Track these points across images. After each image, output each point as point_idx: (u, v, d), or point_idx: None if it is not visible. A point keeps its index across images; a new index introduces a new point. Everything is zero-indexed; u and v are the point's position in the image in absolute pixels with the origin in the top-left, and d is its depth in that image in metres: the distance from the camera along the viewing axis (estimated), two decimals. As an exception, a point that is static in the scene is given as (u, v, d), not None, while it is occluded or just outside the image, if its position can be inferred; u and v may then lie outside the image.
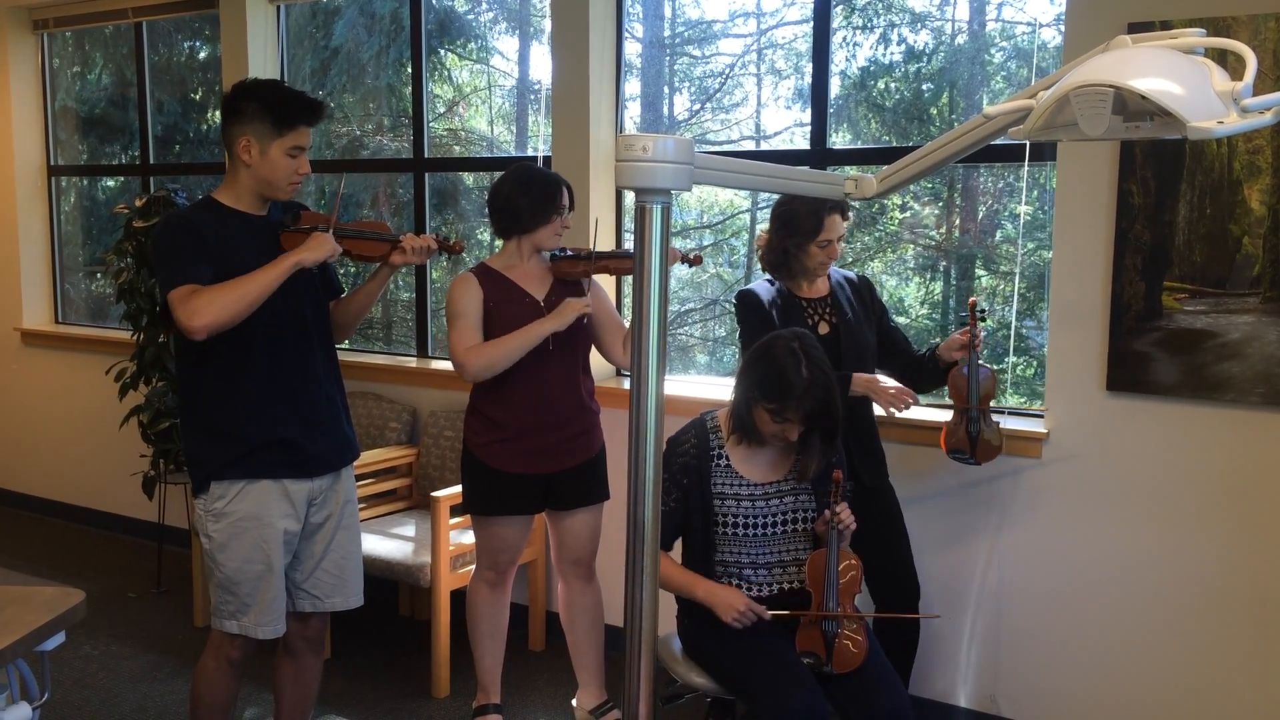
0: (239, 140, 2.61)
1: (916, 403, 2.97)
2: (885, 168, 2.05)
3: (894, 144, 3.94)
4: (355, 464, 2.92)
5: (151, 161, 5.40)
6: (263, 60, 4.78)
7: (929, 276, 4.47)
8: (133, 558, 5.07)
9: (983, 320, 2.96)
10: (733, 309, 3.21)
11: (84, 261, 5.94)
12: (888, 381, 2.95)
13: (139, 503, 5.00)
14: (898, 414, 2.95)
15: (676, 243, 3.37)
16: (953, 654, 3.38)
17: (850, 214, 3.08)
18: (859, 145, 4.03)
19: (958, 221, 4.20)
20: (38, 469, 5.75)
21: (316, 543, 2.80)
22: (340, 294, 2.92)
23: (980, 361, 2.95)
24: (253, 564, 2.66)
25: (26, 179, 5.62)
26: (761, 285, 3.10)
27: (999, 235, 4.13)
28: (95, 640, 4.07)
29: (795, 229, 2.96)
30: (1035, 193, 3.72)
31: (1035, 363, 3.95)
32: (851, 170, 3.70)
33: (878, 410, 3.03)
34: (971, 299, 2.98)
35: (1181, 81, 1.31)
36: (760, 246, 3.12)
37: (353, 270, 4.96)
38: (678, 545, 2.76)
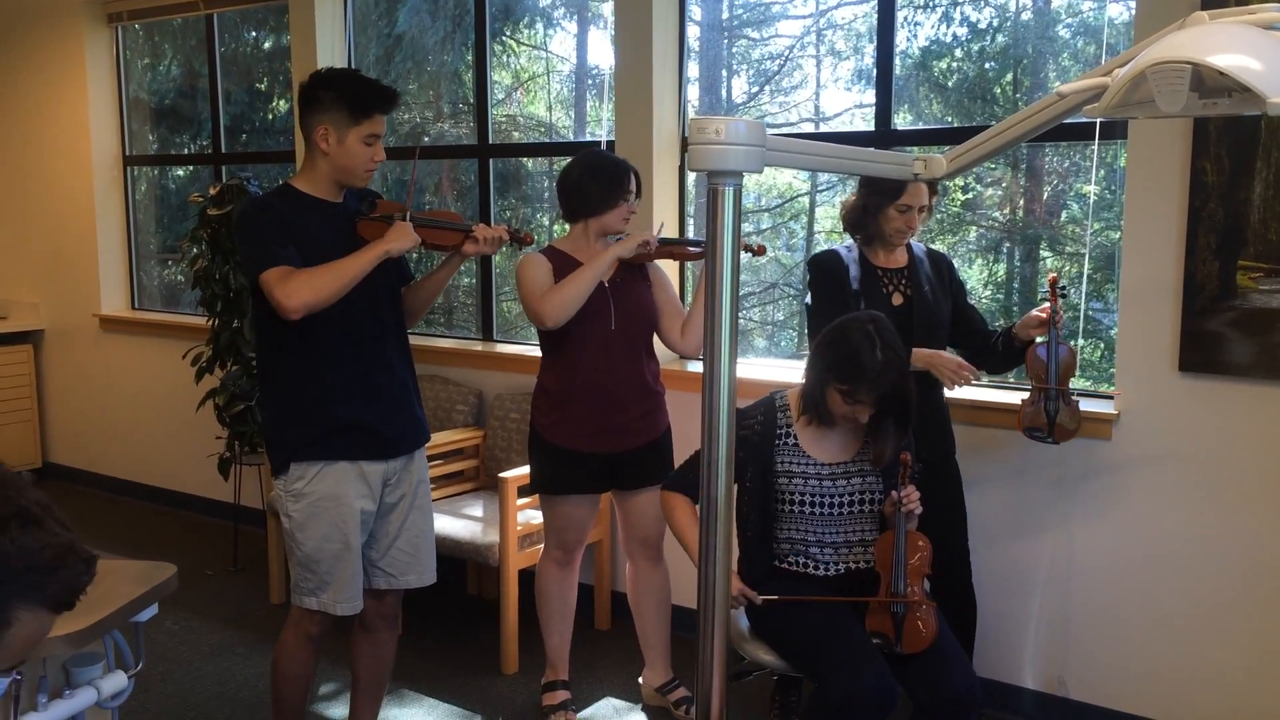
0: (317, 129, 2.67)
1: (977, 378, 2.97)
2: (955, 147, 2.05)
3: (957, 124, 3.91)
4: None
5: (223, 150, 5.53)
6: (331, 49, 4.86)
7: (992, 258, 4.43)
8: (209, 537, 5.22)
9: (1063, 296, 2.94)
10: (790, 289, 3.22)
11: (155, 250, 6.10)
12: (948, 356, 2.95)
13: (215, 483, 5.14)
14: (958, 388, 2.96)
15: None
16: (1020, 635, 3.38)
17: (938, 189, 3.08)
18: (923, 126, 4.01)
19: (1022, 202, 4.17)
20: (117, 451, 5.93)
21: (391, 522, 2.86)
22: (410, 280, 2.98)
23: (1059, 339, 2.93)
24: (331, 543, 2.74)
25: (104, 169, 5.77)
26: (840, 249, 3.11)
27: (1064, 216, 4.09)
28: (176, 615, 4.21)
29: (878, 188, 2.97)
30: (1102, 172, 3.68)
31: (1102, 345, 3.91)
32: (916, 151, 3.69)
33: (965, 393, 3.03)
34: (1052, 275, 2.96)
35: (1260, 57, 1.31)
36: (844, 206, 3.14)
37: (413, 257, 5.04)
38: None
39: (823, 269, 3.10)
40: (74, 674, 2.06)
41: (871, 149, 2.02)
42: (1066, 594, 3.29)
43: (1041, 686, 3.36)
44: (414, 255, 4.94)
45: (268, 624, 4.16)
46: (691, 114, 4.08)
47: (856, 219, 3.08)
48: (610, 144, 4.11)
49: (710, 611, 1.95)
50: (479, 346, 4.62)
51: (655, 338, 3.36)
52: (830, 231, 4.74)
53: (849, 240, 3.17)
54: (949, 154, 2.06)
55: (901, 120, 3.90)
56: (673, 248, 3.30)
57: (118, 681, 2.11)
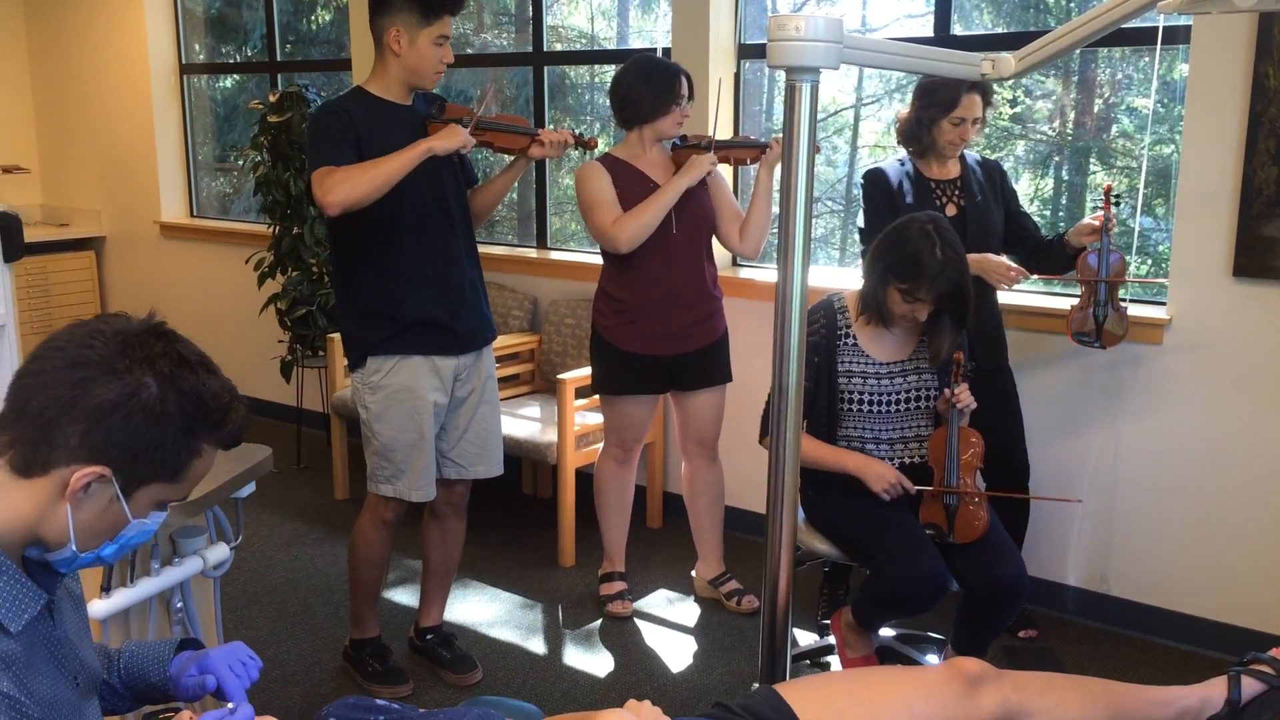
0: (388, 30, 2.73)
1: (1026, 278, 3.03)
2: (1024, 47, 2.09)
3: (1017, 30, 3.89)
4: (486, 347, 3.08)
5: (278, 59, 5.58)
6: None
7: (1039, 173, 4.43)
8: (273, 438, 5.38)
9: (1116, 204, 2.98)
10: (831, 204, 3.27)
11: (204, 160, 6.19)
12: (998, 258, 3.01)
13: (278, 386, 5.31)
14: (1010, 292, 3.02)
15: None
16: (1064, 535, 3.48)
17: (992, 101, 3.11)
18: (983, 32, 3.99)
19: (1072, 115, 4.15)
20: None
21: (461, 415, 2.99)
22: (475, 183, 3.06)
23: (1112, 246, 2.98)
24: (406, 433, 2.87)
25: (161, 78, 5.85)
26: (890, 165, 3.16)
27: (1115, 130, 4.07)
28: (247, 509, 4.34)
29: (932, 100, 3.01)
30: (1155, 84, 3.66)
31: (1152, 261, 3.93)
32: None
33: (1014, 299, 3.08)
34: (1106, 184, 2.99)
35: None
36: (899, 118, 3.17)
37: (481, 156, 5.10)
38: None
39: (874, 184, 3.15)
40: (180, 544, 2.21)
41: (943, 49, 2.07)
42: (1112, 495, 3.38)
43: (1084, 584, 3.47)
44: (486, 158, 5.02)
45: (333, 517, 4.34)
46: (769, 13, 4.08)
47: (911, 131, 3.12)
48: (665, 50, 4.13)
49: (780, 502, 2.06)
50: (533, 253, 4.71)
51: (714, 242, 3.44)
52: (874, 146, 4.74)
53: (901, 154, 3.21)
54: (1018, 54, 2.11)
55: (954, 29, 3.89)
56: (729, 150, 3.36)
57: (220, 552, 2.26)
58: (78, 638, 1.39)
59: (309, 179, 2.73)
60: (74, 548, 1.25)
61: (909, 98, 3.19)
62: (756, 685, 1.92)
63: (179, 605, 2.22)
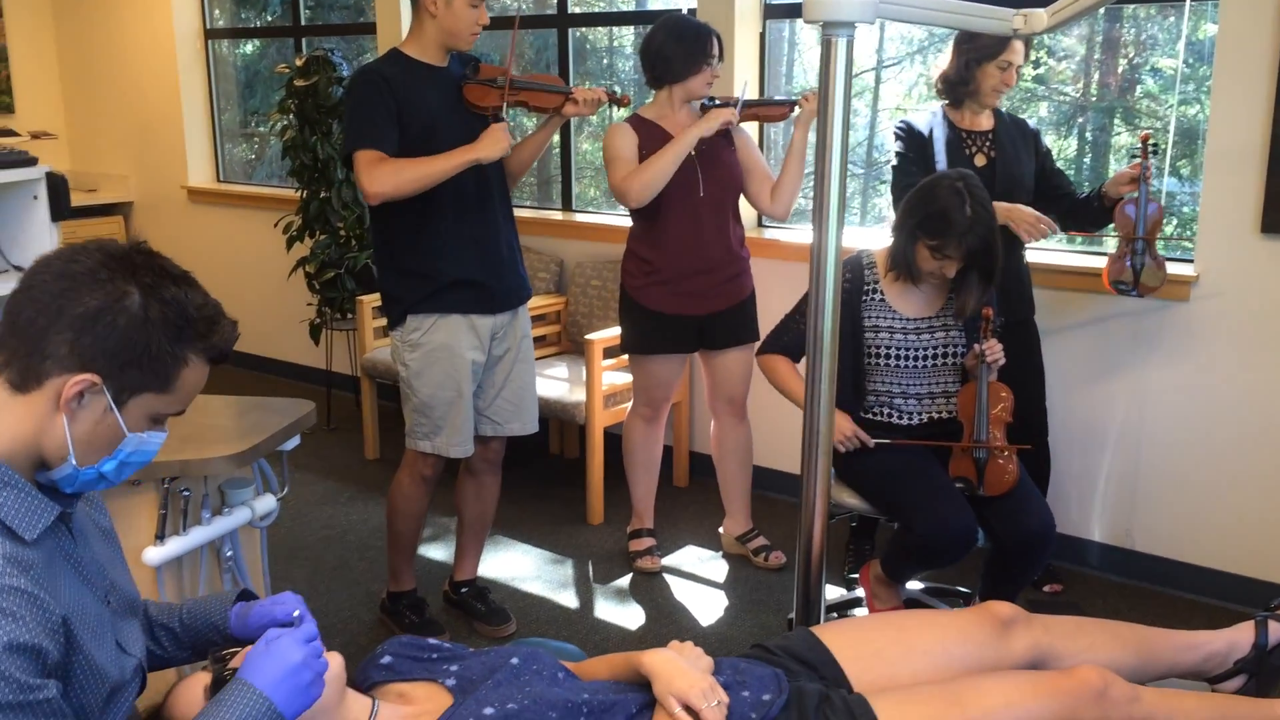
0: (425, -8, 2.76)
1: (1054, 231, 3.04)
2: (1056, 3, 2.11)
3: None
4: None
5: (302, 23, 5.60)
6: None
7: (1063, 133, 4.43)
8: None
9: (1154, 154, 2.99)
10: (853, 168, 3.29)
11: (228, 125, 6.22)
12: (1027, 209, 3.03)
13: (306, 349, 5.37)
14: (1036, 241, 3.03)
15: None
16: (1089, 490, 3.52)
17: (1030, 50, 3.12)
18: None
19: (1096, 76, 4.14)
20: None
21: (497, 374, 3.04)
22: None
23: (1150, 196, 2.98)
24: (445, 390, 2.92)
25: (186, 43, 5.88)
26: (922, 116, 3.18)
27: (1139, 90, 4.07)
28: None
29: (979, 44, 3.03)
30: (1183, 43, 3.66)
31: (1177, 222, 3.93)
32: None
33: (1043, 257, 3.09)
34: (1144, 132, 3.00)
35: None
36: (939, 71, 3.19)
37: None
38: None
39: (906, 133, 3.17)
40: (229, 495, 2.27)
41: (976, 3, 2.09)
42: (1137, 451, 3.41)
43: (1108, 539, 3.51)
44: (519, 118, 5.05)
45: (365, 477, 4.42)
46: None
47: (954, 78, 3.14)
48: (691, 11, 4.14)
49: (814, 451, 2.11)
50: (559, 216, 4.74)
51: (741, 202, 3.46)
52: (896, 109, 4.74)
53: (934, 107, 3.23)
54: (1050, 8, 2.12)
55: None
56: (757, 109, 3.37)
57: (267, 503, 2.32)
58: (109, 564, 1.45)
59: (349, 154, 2.77)
60: (73, 461, 1.29)
61: (929, 59, 3.20)
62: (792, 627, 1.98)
63: (229, 554, 2.29)
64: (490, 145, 2.77)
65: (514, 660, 1.66)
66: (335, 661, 1.51)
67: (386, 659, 1.70)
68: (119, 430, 1.30)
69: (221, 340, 1.34)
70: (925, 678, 1.71)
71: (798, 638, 1.84)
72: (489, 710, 1.50)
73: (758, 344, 3.50)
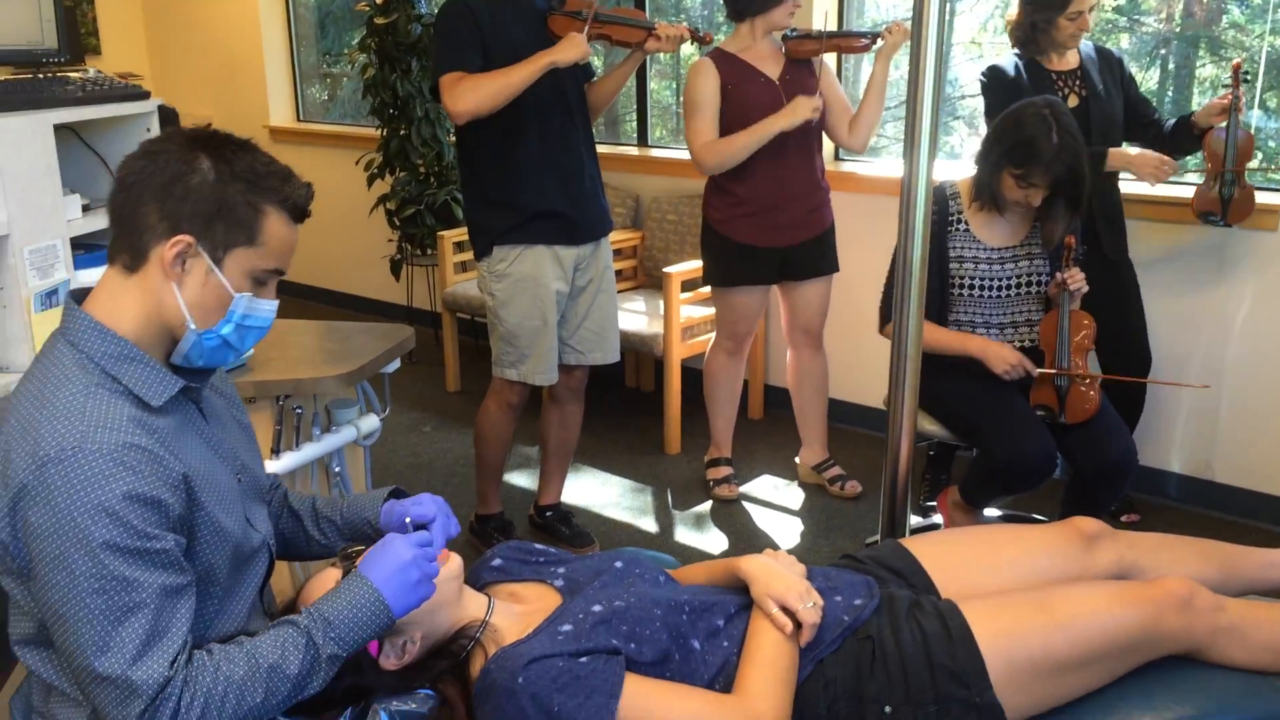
0: (513, -77, 2.80)
1: (1177, 172, 3.00)
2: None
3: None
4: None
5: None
6: None
7: (1145, 65, 4.35)
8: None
9: (1246, 82, 2.94)
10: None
11: (305, 66, 6.32)
12: (1148, 154, 2.99)
13: (387, 284, 5.50)
14: (1157, 184, 3.00)
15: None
16: (1170, 422, 3.51)
17: None
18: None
19: (1180, 6, 4.05)
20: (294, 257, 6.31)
21: (581, 304, 3.12)
22: (593, 77, 3.13)
23: (1239, 124, 2.95)
24: (531, 319, 3.00)
25: (266, -16, 5.99)
26: (1008, 60, 3.16)
27: (1225, 21, 3.98)
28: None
29: (1044, 3, 2.99)
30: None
31: (1263, 157, 3.86)
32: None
33: (1129, 187, 3.05)
34: (1236, 61, 2.96)
35: None
36: (1009, 23, 3.16)
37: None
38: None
39: (995, 78, 3.14)
40: (336, 415, 2.38)
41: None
42: (1219, 382, 3.40)
43: (1188, 470, 3.52)
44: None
45: (448, 408, 4.55)
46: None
47: (1025, 35, 3.10)
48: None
49: (902, 377, 2.15)
50: (634, 151, 4.78)
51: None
52: (971, 42, 4.68)
53: (1015, 51, 3.19)
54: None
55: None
56: (839, 41, 3.37)
57: (371, 422, 2.44)
58: (244, 450, 1.57)
59: (436, 81, 2.83)
60: (192, 325, 1.39)
61: None
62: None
63: (336, 469, 2.41)
64: (568, 48, 2.79)
65: (618, 564, 1.75)
66: (454, 561, 1.61)
67: (497, 561, 1.80)
68: (225, 290, 1.40)
69: (295, 193, 1.42)
70: (1011, 587, 1.77)
71: (886, 548, 1.90)
72: (597, 608, 1.59)
73: (835, 275, 3.55)
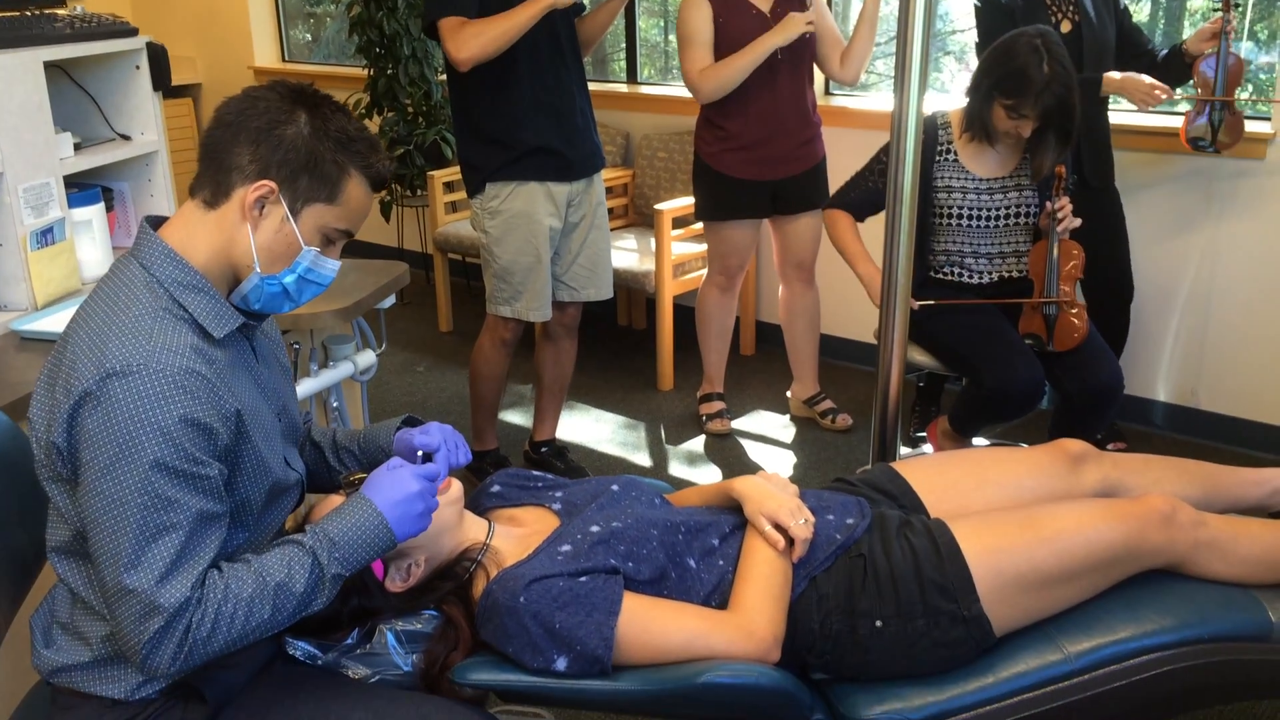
0: None
1: (1170, 97, 3.01)
2: None
3: None
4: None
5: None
6: None
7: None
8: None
9: (1236, 7, 2.94)
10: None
11: (290, 7, 6.24)
12: (1142, 78, 2.98)
13: (377, 226, 5.49)
14: (1148, 109, 3.00)
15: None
16: (1156, 351, 3.56)
17: None
18: None
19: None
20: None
21: (574, 240, 3.13)
22: (583, 13, 3.12)
23: (1229, 50, 2.94)
24: (524, 256, 3.02)
25: (247, -78, 5.89)
26: None
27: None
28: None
29: None
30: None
31: (1251, 87, 3.86)
32: None
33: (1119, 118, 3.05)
34: None
35: None
36: None
37: None
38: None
39: (988, 4, 3.13)
40: (333, 350, 2.41)
41: None
42: (1206, 310, 3.44)
43: (1174, 399, 3.57)
44: None
45: (440, 348, 4.57)
46: None
47: None
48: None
49: (893, 298, 2.18)
50: (624, 88, 4.76)
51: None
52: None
53: None
54: None
55: None
56: None
57: (368, 358, 2.46)
58: (285, 393, 1.61)
59: (432, 23, 2.82)
60: (257, 268, 1.43)
61: None
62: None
63: (335, 405, 2.44)
64: None
65: (614, 487, 1.79)
66: (455, 488, 1.64)
67: (496, 487, 1.84)
68: (296, 241, 1.43)
69: (379, 163, 1.47)
70: (999, 507, 1.81)
71: (877, 471, 1.95)
72: (595, 528, 1.63)
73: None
